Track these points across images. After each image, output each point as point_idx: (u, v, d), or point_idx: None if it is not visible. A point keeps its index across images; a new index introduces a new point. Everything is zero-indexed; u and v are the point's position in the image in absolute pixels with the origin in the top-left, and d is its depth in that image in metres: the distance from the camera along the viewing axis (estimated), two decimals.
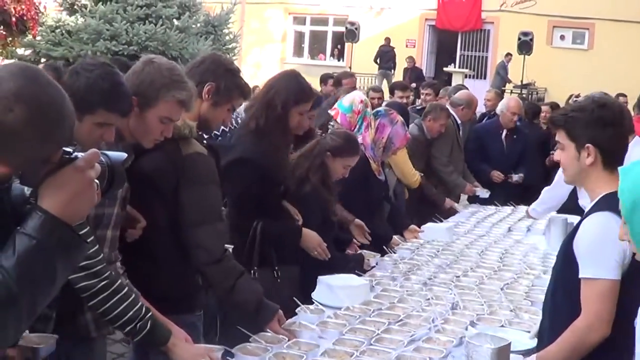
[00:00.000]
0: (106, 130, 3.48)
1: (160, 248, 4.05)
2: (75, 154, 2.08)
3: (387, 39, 29.66)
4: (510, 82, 27.07)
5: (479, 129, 10.78)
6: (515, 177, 9.93)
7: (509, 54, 27.86)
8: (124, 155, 2.31)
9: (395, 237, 6.55)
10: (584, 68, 28.36)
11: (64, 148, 2.07)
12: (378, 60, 29.06)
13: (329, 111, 6.77)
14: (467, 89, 11.49)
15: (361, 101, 6.68)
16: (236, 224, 4.84)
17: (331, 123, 6.52)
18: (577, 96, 11.01)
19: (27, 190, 2.28)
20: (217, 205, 4.20)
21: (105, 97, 3.43)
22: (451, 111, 9.57)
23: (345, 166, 5.59)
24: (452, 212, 8.52)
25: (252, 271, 4.71)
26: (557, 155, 3.67)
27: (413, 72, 28.30)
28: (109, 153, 2.25)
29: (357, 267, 5.56)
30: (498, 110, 10.37)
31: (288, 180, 5.13)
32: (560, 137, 3.57)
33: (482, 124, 11.22)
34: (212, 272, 4.08)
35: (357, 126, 6.52)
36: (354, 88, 10.11)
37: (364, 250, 5.99)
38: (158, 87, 3.76)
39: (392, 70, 29.12)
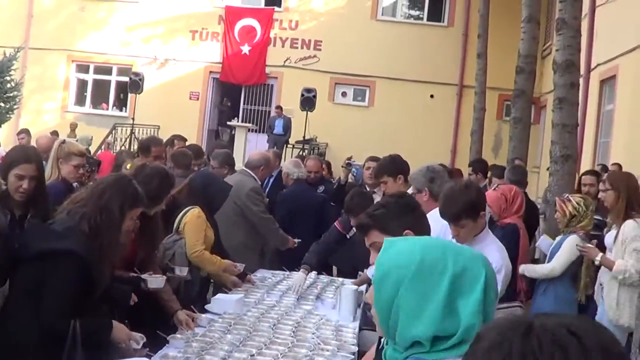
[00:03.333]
0: None
1: None
2: None
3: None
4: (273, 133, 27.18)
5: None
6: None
7: (278, 107, 28.22)
8: None
9: None
10: (364, 124, 29.35)
11: None
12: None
13: None
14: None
15: None
16: (49, 324, 4.62)
17: None
18: (350, 158, 11.29)
19: None
20: None
21: None
22: (250, 172, 9.72)
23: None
24: None
25: None
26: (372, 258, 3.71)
27: None
28: None
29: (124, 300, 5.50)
30: None
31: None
32: (376, 236, 3.63)
33: None
34: None
35: None
36: (159, 157, 9.84)
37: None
38: None
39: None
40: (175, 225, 7.46)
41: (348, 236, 8.67)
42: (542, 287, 8.23)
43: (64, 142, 7.24)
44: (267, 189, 11.45)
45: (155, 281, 5.95)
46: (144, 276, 5.83)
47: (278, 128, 27.26)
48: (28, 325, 4.57)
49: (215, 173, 10.10)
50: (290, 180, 10.67)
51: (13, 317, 4.62)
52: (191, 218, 7.42)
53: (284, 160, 15.84)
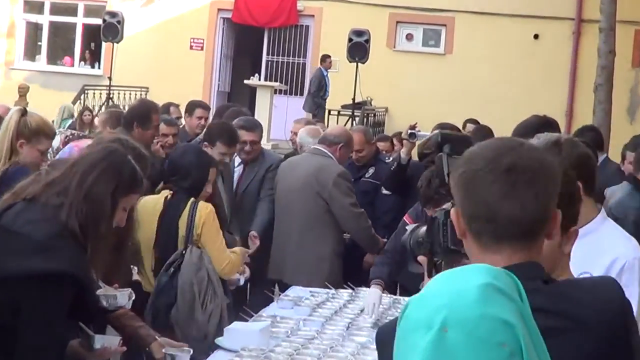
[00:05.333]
0: None
1: None
2: None
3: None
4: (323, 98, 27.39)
5: None
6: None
7: (327, 57, 28.29)
8: None
9: None
10: (439, 78, 29.19)
11: None
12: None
13: None
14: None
15: None
16: None
17: None
18: (414, 126, 10.98)
19: None
20: None
21: None
22: (327, 152, 9.80)
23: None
24: None
25: None
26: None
27: None
28: None
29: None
30: None
31: None
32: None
33: None
34: None
35: None
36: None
37: None
38: None
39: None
40: (184, 232, 7.45)
41: None
42: None
43: (25, 113, 7.06)
44: None
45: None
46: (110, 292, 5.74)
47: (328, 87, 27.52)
48: None
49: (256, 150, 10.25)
50: (304, 152, 10.61)
51: None
52: (207, 217, 7.44)
53: None
